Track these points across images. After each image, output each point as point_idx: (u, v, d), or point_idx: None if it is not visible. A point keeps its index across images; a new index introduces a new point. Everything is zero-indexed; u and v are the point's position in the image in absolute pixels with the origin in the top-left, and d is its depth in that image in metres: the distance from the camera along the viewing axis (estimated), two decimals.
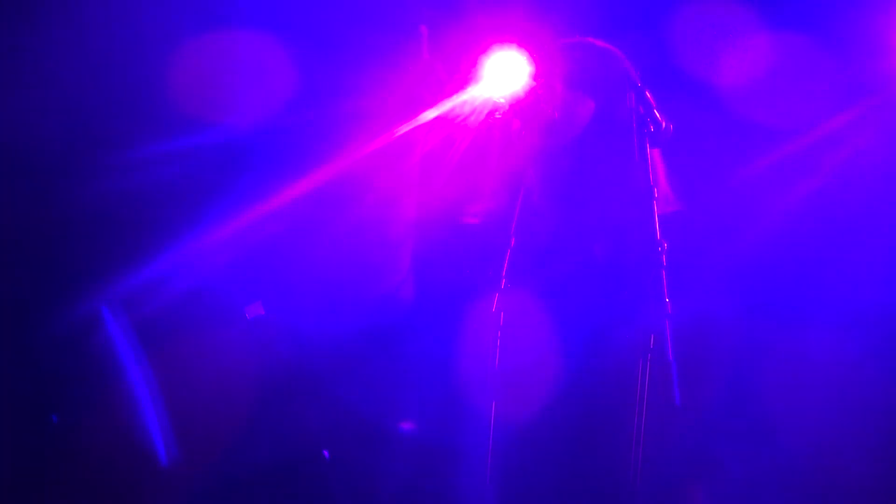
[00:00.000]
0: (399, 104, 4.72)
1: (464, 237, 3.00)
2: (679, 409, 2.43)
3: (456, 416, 2.86)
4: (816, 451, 4.58)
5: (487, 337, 2.50)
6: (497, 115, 3.08)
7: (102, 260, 4.73)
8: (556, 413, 2.86)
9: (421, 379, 3.00)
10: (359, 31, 4.86)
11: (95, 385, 4.64)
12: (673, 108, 2.88)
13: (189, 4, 4.69)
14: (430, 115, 4.39)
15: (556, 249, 2.98)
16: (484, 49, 4.61)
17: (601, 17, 4.22)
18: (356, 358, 3.20)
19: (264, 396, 4.55)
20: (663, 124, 2.76)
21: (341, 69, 4.87)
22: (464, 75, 4.60)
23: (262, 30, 4.86)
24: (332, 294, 4.29)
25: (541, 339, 2.84)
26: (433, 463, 2.94)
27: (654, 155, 2.69)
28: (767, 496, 4.58)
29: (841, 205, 4.56)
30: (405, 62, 4.74)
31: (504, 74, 3.14)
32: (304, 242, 4.83)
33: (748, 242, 4.21)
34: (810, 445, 4.56)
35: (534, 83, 2.92)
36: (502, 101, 3.08)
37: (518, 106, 2.89)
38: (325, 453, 4.20)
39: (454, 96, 4.49)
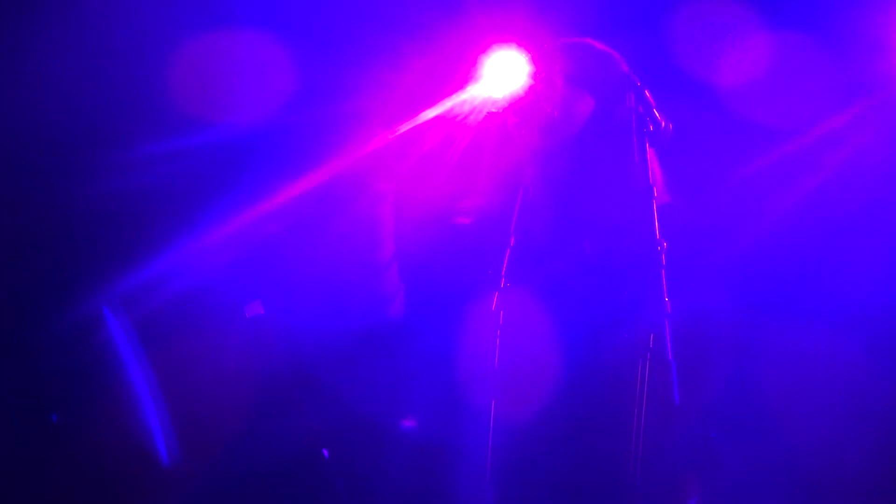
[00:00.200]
0: (398, 104, 4.73)
1: (457, 236, 3.00)
2: (678, 409, 2.43)
3: (455, 416, 2.86)
4: (816, 450, 4.58)
5: (486, 336, 2.50)
6: (495, 114, 3.08)
7: (102, 259, 4.74)
8: (555, 412, 2.86)
9: (420, 378, 3.00)
10: (358, 31, 4.86)
11: (96, 384, 4.65)
12: (672, 108, 2.88)
13: (189, 4, 4.69)
14: (428, 114, 4.40)
15: (553, 248, 2.98)
16: (483, 48, 4.62)
17: (601, 16, 4.23)
18: (356, 357, 3.20)
19: (263, 395, 4.55)
20: (662, 124, 2.76)
21: (341, 69, 4.87)
22: (463, 75, 4.61)
23: (262, 29, 4.87)
24: (330, 293, 4.29)
25: (539, 338, 2.84)
26: (433, 462, 2.94)
27: (653, 154, 2.69)
28: (767, 496, 4.59)
29: (840, 204, 4.56)
30: (404, 62, 4.74)
31: (503, 74, 3.14)
32: (304, 242, 4.83)
33: (747, 242, 4.21)
34: (810, 444, 4.57)
35: (533, 82, 2.92)
36: (501, 100, 3.08)
37: (517, 105, 2.89)
38: (325, 452, 4.20)
39: (453, 95, 4.49)
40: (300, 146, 4.86)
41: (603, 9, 4.45)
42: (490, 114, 3.09)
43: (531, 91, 2.86)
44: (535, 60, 3.02)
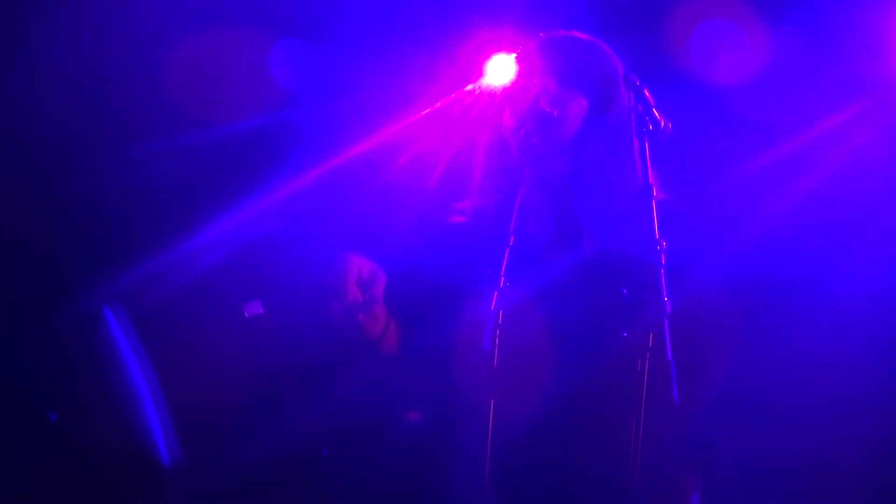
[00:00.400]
0: (394, 102, 4.73)
1: (452, 235, 3.00)
2: (678, 409, 2.43)
3: (453, 415, 2.86)
4: (816, 449, 4.58)
5: (485, 335, 2.50)
6: (491, 113, 3.07)
7: (102, 258, 4.74)
8: (554, 412, 2.86)
9: (419, 377, 3.00)
10: (358, 31, 4.86)
11: (95, 383, 4.65)
12: (671, 107, 2.87)
13: (188, 3, 4.69)
14: (426, 113, 4.40)
15: (552, 248, 2.98)
16: (480, 47, 4.61)
17: (600, 15, 4.23)
18: (355, 356, 3.20)
19: (262, 395, 4.55)
20: (662, 123, 2.76)
21: (339, 68, 4.87)
22: (460, 73, 4.60)
23: (262, 29, 4.87)
24: (330, 292, 4.29)
25: (538, 337, 2.83)
26: (432, 461, 2.94)
27: (652, 153, 2.69)
28: (767, 495, 4.59)
29: (840, 203, 4.56)
30: (400, 60, 4.74)
31: (500, 72, 3.14)
32: (303, 241, 4.83)
33: (747, 241, 4.21)
34: (810, 444, 4.56)
35: (530, 81, 2.91)
36: (498, 98, 3.07)
37: (514, 103, 2.88)
38: (325, 452, 4.20)
39: (452, 94, 4.49)
40: (298, 146, 4.86)
41: (602, 8, 4.45)
42: (486, 112, 3.09)
43: (529, 89, 2.85)
44: (532, 58, 3.01)
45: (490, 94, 3.10)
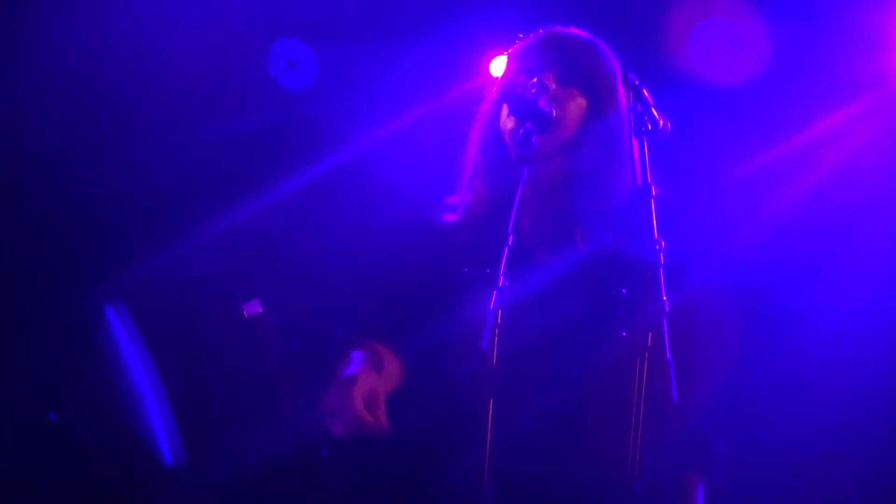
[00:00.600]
0: (390, 101, 4.73)
1: (450, 234, 3.00)
2: (677, 408, 2.43)
3: (452, 415, 2.86)
4: (815, 448, 4.58)
5: (484, 334, 2.50)
6: (490, 111, 3.07)
7: (103, 258, 4.74)
8: (553, 411, 2.86)
9: (418, 377, 3.00)
10: (358, 30, 4.86)
11: (97, 381, 4.65)
12: (670, 107, 2.87)
13: (189, 3, 4.70)
14: (425, 112, 4.40)
15: (550, 247, 2.98)
16: (482, 47, 4.62)
17: (600, 15, 4.23)
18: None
19: (262, 394, 4.56)
20: (661, 122, 2.76)
21: (338, 67, 4.88)
22: (461, 73, 4.61)
23: (262, 29, 4.87)
24: (329, 291, 4.29)
25: (537, 336, 2.84)
26: (431, 461, 2.94)
27: (650, 153, 2.68)
28: (767, 495, 4.59)
29: (839, 203, 4.56)
30: (397, 58, 4.74)
31: (499, 72, 3.14)
32: (303, 240, 4.84)
33: (746, 240, 4.22)
34: (809, 443, 4.57)
35: (528, 79, 2.91)
36: (496, 97, 3.07)
37: (512, 102, 2.88)
38: (324, 452, 4.21)
39: (450, 93, 4.49)
40: (298, 145, 4.87)
41: (602, 7, 4.46)
42: (482, 112, 3.09)
43: (527, 89, 2.84)
44: (523, 55, 3.01)
45: (488, 93, 3.10)
